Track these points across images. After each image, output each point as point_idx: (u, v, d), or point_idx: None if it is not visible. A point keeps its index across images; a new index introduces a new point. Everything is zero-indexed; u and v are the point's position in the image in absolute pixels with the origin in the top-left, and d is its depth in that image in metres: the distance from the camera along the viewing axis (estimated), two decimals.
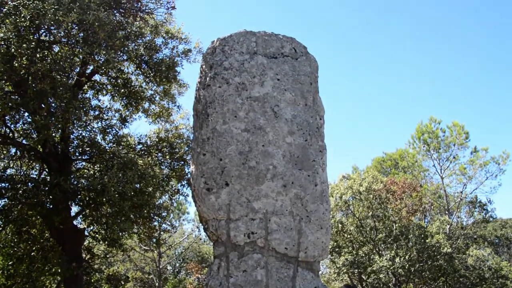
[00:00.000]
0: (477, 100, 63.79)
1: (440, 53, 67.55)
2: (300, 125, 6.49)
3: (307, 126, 6.53)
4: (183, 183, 9.28)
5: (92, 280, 9.67)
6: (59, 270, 9.33)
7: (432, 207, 24.88)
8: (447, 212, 24.46)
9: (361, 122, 70.67)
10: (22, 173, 8.75)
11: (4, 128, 9.07)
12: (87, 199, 7.38)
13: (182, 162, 9.10)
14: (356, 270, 18.67)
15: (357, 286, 5.23)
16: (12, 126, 9.38)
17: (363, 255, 18.46)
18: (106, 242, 8.14)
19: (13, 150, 9.64)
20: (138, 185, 6.98)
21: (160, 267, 28.77)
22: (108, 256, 11.07)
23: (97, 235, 8.25)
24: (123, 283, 25.16)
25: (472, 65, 65.26)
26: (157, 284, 27.90)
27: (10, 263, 9.66)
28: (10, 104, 7.06)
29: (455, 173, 25.83)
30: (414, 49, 70.61)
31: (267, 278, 5.86)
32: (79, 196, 7.33)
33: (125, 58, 8.70)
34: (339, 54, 73.24)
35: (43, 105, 7.19)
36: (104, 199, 6.84)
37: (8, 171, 8.47)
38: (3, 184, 7.61)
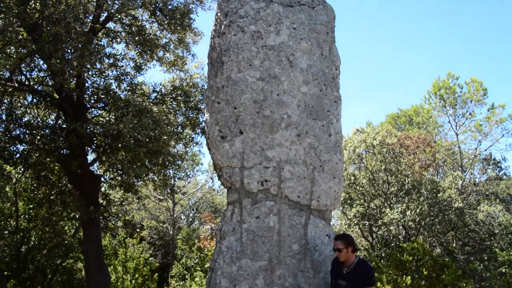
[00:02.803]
0: (497, 56, 62.20)
1: (460, 6, 65.45)
2: (315, 75, 6.44)
3: (323, 76, 6.48)
4: (198, 131, 9.33)
5: (109, 225, 9.97)
6: (77, 216, 9.62)
7: (445, 163, 24.84)
8: (460, 169, 24.44)
9: (377, 77, 69.64)
10: (39, 119, 8.87)
11: (20, 76, 9.12)
12: (103, 144, 7.49)
13: (197, 111, 9.13)
14: (367, 222, 18.95)
15: (351, 235, 5.27)
16: (28, 74, 9.43)
17: (374, 207, 18.67)
18: (122, 188, 8.32)
19: (29, 98, 9.74)
20: (153, 132, 7.05)
21: (174, 216, 29.45)
22: (124, 203, 11.34)
23: (113, 181, 8.42)
24: (138, 230, 25.92)
25: (493, 21, 63.25)
26: (171, 232, 28.65)
27: (30, 206, 9.99)
28: (25, 49, 7.05)
29: (470, 129, 25.61)
30: (433, 2, 68.44)
31: (279, 225, 5.99)
32: (95, 142, 7.43)
33: (139, 3, 8.57)
34: (355, 6, 71.34)
35: (58, 50, 7.18)
36: (119, 145, 6.93)
37: (26, 118, 8.59)
38: (21, 130, 7.74)
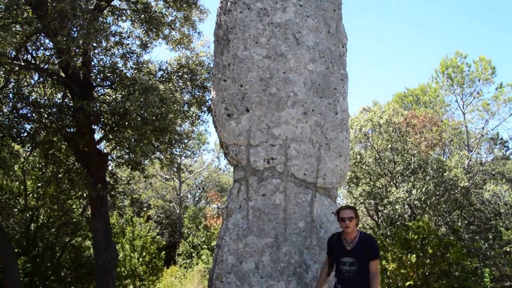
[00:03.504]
0: (506, 34, 61.22)
1: None
2: (322, 53, 6.41)
3: (329, 54, 6.45)
4: (204, 109, 9.32)
5: (116, 203, 10.06)
6: (85, 195, 9.71)
7: (452, 142, 24.77)
8: (466, 148, 24.37)
9: (383, 56, 69.02)
10: (46, 97, 8.89)
11: (26, 54, 9.11)
12: (110, 122, 7.51)
13: (203, 89, 9.10)
14: (373, 201, 19.02)
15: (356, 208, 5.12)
16: (34, 52, 9.42)
17: (380, 186, 18.72)
18: (129, 166, 8.37)
19: (36, 77, 9.74)
20: (159, 110, 7.05)
21: (181, 195, 29.68)
22: (130, 182, 11.41)
23: (120, 159, 8.46)
24: (145, 209, 26.15)
25: None
26: (178, 211, 28.90)
27: (39, 185, 10.10)
28: (31, 27, 7.00)
29: (477, 109, 25.45)
30: None
31: (285, 202, 6.03)
32: (102, 120, 7.45)
33: None
34: None
35: (63, 27, 7.13)
36: (126, 123, 6.96)
37: (33, 96, 8.60)
38: (28, 108, 7.76)
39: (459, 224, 20.58)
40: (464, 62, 25.29)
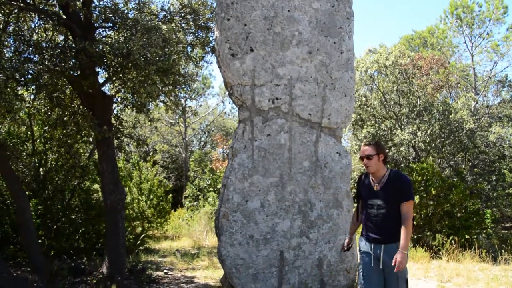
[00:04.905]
0: None
1: None
2: None
3: None
4: (208, 50, 9.17)
5: (123, 145, 10.11)
6: (91, 139, 9.75)
7: (458, 85, 24.49)
8: (473, 91, 24.12)
9: None
10: (48, 39, 8.75)
11: None
12: (113, 64, 7.41)
13: (206, 30, 8.90)
14: None
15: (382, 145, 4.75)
16: None
17: (385, 129, 18.72)
18: (134, 108, 8.35)
19: (36, 20, 9.54)
20: (162, 51, 6.93)
21: (186, 139, 29.86)
22: (136, 126, 11.43)
23: (125, 101, 8.42)
24: (151, 153, 26.39)
25: None
26: (183, 155, 29.18)
27: (45, 129, 10.14)
28: None
29: (486, 50, 24.97)
30: None
31: (290, 142, 6.06)
32: (105, 61, 7.36)
33: None
34: None
35: None
36: (129, 64, 6.88)
37: (34, 38, 8.44)
38: (30, 50, 7.64)
39: (463, 166, 20.72)
40: (474, 2, 24.56)
